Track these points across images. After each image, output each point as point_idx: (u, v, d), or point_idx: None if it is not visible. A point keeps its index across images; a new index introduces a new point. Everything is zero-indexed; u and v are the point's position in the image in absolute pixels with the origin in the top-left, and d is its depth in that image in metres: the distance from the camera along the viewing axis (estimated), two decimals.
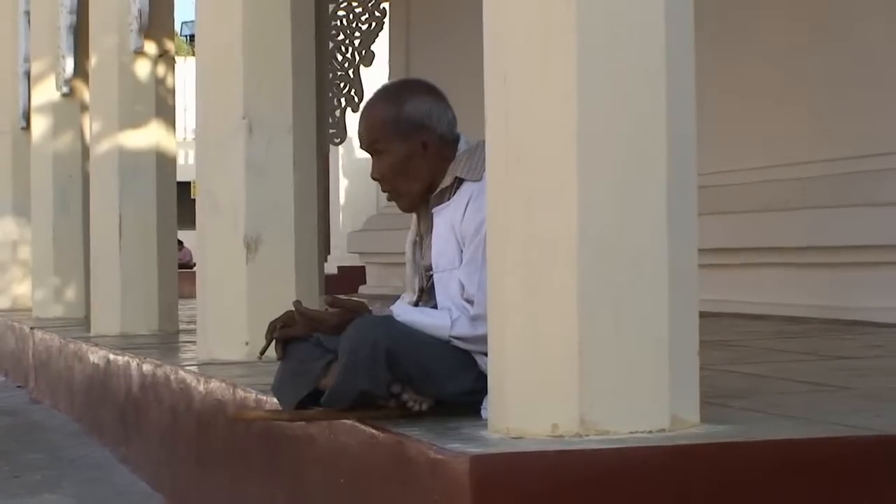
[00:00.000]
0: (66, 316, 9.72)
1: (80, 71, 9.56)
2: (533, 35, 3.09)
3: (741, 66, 8.20)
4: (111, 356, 6.60)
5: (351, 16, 12.18)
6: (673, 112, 3.08)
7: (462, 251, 3.48)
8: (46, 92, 10.18)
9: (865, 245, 7.15)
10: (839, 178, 7.45)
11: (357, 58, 12.18)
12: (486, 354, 3.27)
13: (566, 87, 3.03)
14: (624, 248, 3.04)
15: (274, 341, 3.65)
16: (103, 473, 5.98)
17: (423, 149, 3.59)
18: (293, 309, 3.65)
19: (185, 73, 15.53)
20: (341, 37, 12.19)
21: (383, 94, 3.71)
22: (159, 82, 7.84)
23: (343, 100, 12.16)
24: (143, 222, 7.73)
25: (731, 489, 2.94)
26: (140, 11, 7.61)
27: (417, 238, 3.73)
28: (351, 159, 19.76)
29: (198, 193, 5.92)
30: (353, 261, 15.73)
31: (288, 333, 3.63)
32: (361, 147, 3.71)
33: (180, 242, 12.38)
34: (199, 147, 5.97)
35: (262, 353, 3.74)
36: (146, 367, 5.86)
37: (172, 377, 5.39)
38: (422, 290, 3.68)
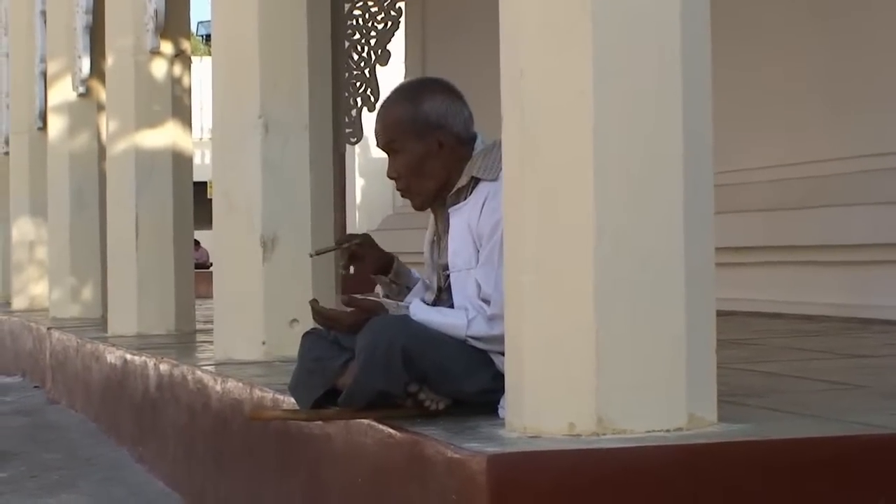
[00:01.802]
0: (83, 316, 9.71)
1: (97, 71, 9.56)
2: (549, 31, 3.09)
3: (757, 62, 8.17)
4: (128, 356, 6.61)
5: (367, 15, 12.19)
6: (689, 107, 3.07)
7: (478, 251, 3.48)
8: (63, 92, 10.17)
9: (881, 243, 7.12)
10: (855, 176, 7.42)
11: (373, 57, 12.19)
12: (502, 354, 3.27)
13: (582, 83, 3.03)
14: (640, 246, 3.03)
15: (312, 309, 3.65)
16: (120, 473, 5.98)
17: (438, 148, 3.59)
18: (313, 301, 3.67)
19: (201, 73, 15.56)
20: (357, 36, 12.19)
21: (400, 93, 3.71)
22: (175, 82, 7.85)
23: (359, 99, 12.17)
24: (159, 222, 7.73)
25: (748, 488, 2.93)
26: (156, 11, 7.62)
27: (435, 238, 3.73)
28: (367, 158, 19.81)
29: (214, 193, 5.93)
30: None
31: (356, 250, 3.73)
32: (378, 146, 3.71)
33: (197, 242, 12.39)
34: (216, 146, 5.98)
35: (319, 253, 3.76)
36: (163, 367, 5.86)
37: (189, 377, 5.40)
38: (439, 290, 3.68)
